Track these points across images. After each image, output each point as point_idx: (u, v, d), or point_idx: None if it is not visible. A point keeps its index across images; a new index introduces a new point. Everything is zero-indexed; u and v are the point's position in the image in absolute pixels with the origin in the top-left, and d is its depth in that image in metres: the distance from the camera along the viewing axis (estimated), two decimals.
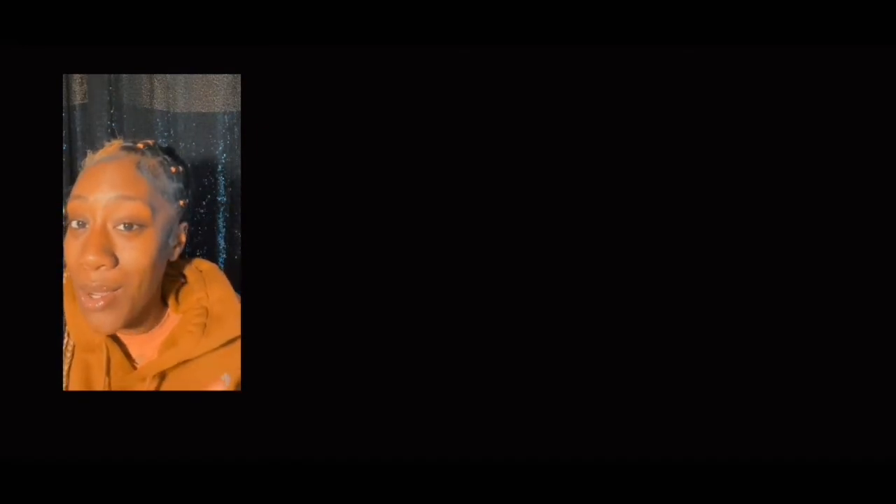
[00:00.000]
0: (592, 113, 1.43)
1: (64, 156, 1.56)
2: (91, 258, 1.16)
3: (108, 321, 1.20)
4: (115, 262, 1.18)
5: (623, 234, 1.43)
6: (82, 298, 1.20)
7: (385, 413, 1.43)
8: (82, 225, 1.20)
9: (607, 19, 1.43)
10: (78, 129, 1.73)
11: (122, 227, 1.20)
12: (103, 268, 1.17)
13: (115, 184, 1.21)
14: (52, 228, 1.41)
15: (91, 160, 1.28)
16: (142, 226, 1.21)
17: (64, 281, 1.33)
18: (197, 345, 1.25)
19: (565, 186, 1.43)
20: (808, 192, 1.43)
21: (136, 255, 1.20)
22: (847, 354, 1.43)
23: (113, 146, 1.29)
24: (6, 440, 1.42)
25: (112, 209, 1.19)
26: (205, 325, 1.27)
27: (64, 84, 1.66)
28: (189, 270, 1.36)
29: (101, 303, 1.19)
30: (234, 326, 1.29)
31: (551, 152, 1.43)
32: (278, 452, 1.43)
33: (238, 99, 1.70)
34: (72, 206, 1.21)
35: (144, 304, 1.25)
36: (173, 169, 1.30)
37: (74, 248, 1.19)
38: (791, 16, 1.43)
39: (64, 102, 1.64)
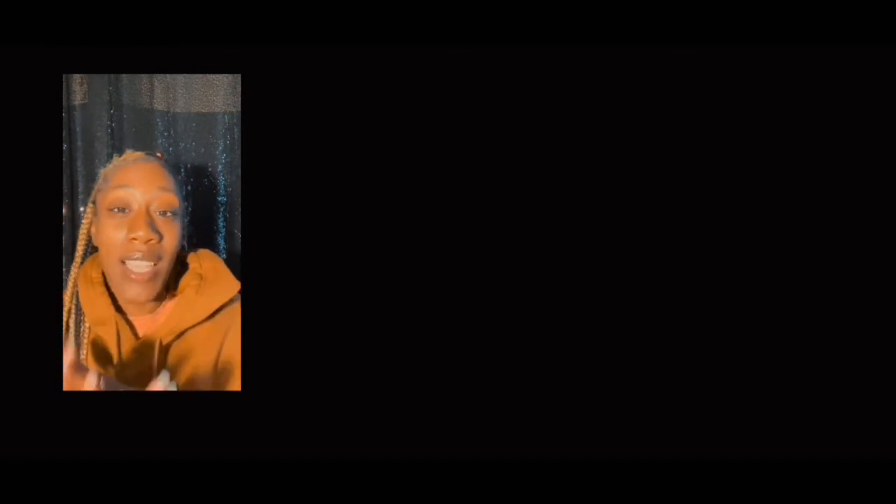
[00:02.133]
0: (592, 113, 1.43)
1: (64, 156, 1.56)
2: (142, 233, 1.39)
3: (146, 291, 1.41)
4: (161, 237, 1.41)
5: (622, 234, 1.43)
6: (131, 272, 1.40)
7: (385, 413, 1.43)
8: (122, 210, 1.41)
9: (607, 19, 1.43)
10: (78, 129, 1.72)
11: (158, 212, 1.42)
12: (152, 241, 1.39)
13: (154, 179, 1.43)
14: (51, 228, 1.42)
15: (119, 162, 1.48)
16: (173, 213, 1.43)
17: (78, 270, 1.47)
18: (193, 303, 1.45)
19: (564, 186, 1.43)
20: (808, 192, 1.43)
21: (169, 236, 1.42)
22: (846, 354, 1.43)
23: (136, 154, 1.49)
24: (6, 440, 1.42)
25: (153, 198, 1.42)
26: (199, 286, 1.46)
27: (64, 84, 1.66)
28: (187, 256, 1.52)
29: (148, 274, 1.40)
30: (225, 289, 1.47)
31: (550, 152, 1.43)
32: (278, 452, 1.43)
33: (238, 99, 1.70)
34: (114, 195, 1.42)
35: (166, 281, 1.45)
36: (179, 176, 1.50)
37: (117, 229, 1.40)
38: (791, 16, 1.43)
39: (64, 102, 1.64)
